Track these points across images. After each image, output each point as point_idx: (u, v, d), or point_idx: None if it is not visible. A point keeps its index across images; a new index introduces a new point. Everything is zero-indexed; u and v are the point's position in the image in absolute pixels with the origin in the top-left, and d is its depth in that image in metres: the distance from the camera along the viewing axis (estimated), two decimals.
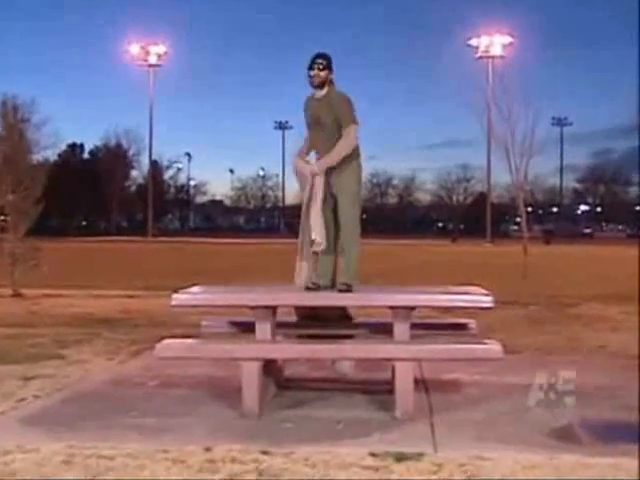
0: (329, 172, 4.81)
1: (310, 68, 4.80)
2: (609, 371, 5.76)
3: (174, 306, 4.72)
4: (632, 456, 3.56)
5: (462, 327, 5.28)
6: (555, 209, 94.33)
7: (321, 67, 4.78)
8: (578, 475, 3.43)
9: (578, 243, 52.06)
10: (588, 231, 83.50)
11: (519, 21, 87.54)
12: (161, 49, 73.92)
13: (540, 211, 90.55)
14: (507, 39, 64.95)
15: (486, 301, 4.50)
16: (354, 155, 4.85)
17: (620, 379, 5.35)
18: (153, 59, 73.53)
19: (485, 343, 4.51)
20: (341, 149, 4.73)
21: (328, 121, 4.78)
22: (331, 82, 4.85)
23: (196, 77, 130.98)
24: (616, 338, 7.57)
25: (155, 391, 5.09)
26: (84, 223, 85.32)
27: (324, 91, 4.83)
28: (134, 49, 73.99)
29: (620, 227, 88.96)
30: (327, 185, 4.83)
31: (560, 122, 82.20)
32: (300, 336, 4.92)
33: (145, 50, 73.27)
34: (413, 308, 4.62)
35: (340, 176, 4.81)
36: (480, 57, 65.53)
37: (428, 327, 5.26)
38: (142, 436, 3.96)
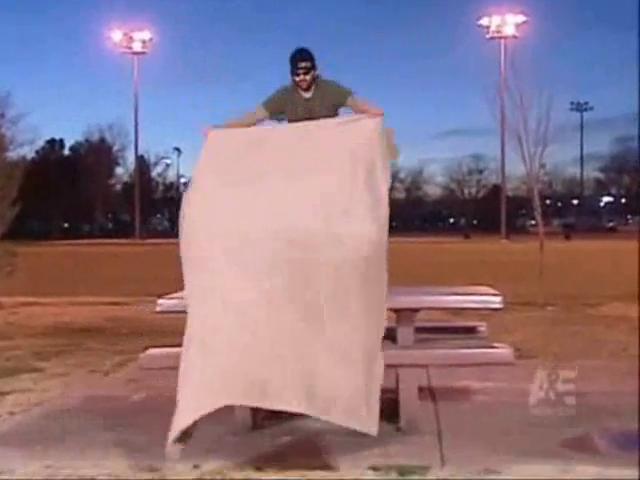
0: None
1: (294, 74, 4.68)
2: (629, 376, 5.76)
3: (159, 312, 4.73)
4: None
5: (471, 330, 5.29)
6: (576, 201, 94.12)
7: (306, 71, 4.65)
8: None
9: (601, 238, 52.05)
10: (612, 224, 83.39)
11: None
12: (146, 35, 73.54)
13: (559, 204, 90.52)
14: (520, 18, 64.97)
15: (495, 302, 4.50)
16: None
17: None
18: (137, 46, 73.13)
19: (494, 347, 4.52)
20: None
21: (323, 114, 4.72)
22: (317, 77, 4.74)
23: (184, 65, 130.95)
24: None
25: (140, 405, 5.11)
26: (66, 225, 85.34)
27: (311, 90, 4.75)
28: (116, 35, 73.61)
29: None
30: None
31: (580, 107, 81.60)
32: None
33: (128, 36, 72.88)
34: (417, 310, 4.64)
35: None
36: (491, 37, 65.67)
37: (434, 331, 5.25)
38: (126, 454, 3.98)
